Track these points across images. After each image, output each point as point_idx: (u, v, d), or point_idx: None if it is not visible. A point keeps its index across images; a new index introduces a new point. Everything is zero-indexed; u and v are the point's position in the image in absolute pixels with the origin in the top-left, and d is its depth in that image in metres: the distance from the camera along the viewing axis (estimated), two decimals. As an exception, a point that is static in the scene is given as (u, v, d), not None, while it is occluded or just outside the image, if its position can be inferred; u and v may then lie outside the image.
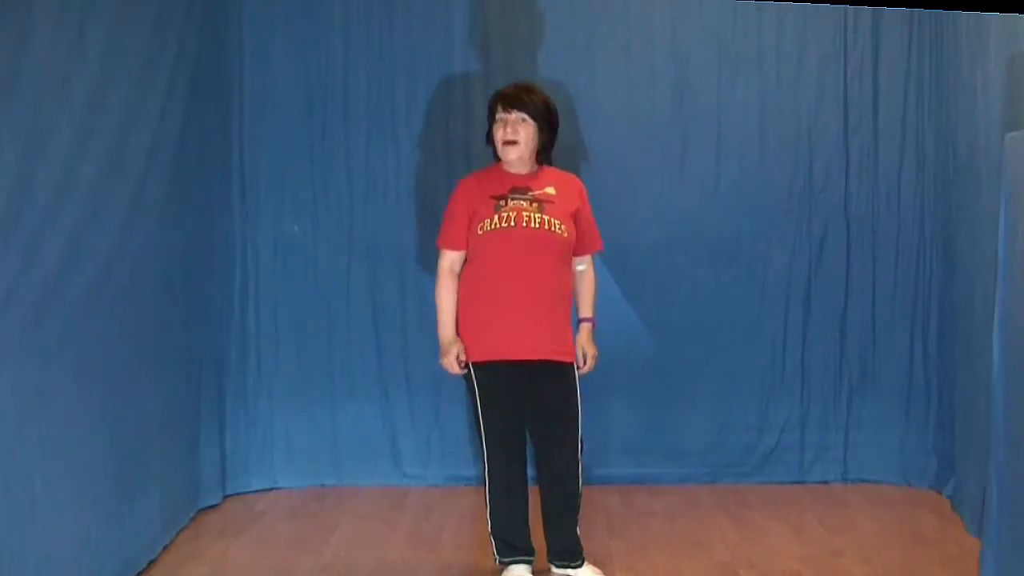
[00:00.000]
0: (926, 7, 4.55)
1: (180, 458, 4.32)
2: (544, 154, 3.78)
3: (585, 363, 3.81)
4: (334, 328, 4.98)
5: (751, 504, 4.73)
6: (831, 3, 4.64)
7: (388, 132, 4.93)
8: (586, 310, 3.88)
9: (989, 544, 3.34)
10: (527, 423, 3.76)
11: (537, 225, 3.66)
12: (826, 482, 5.04)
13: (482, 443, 3.74)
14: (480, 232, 3.68)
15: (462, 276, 3.76)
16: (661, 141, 4.97)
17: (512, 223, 3.65)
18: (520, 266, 3.65)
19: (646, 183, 4.96)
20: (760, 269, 5.01)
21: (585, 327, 3.86)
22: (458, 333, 3.74)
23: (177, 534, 4.24)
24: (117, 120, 3.58)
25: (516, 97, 3.69)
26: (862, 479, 5.04)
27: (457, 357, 3.71)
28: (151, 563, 3.91)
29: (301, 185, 4.93)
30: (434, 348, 4.92)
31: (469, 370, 3.73)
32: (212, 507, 4.64)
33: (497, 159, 3.78)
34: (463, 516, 4.54)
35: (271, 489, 4.93)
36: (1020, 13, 3.27)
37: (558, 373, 3.72)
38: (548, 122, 3.72)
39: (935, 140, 4.91)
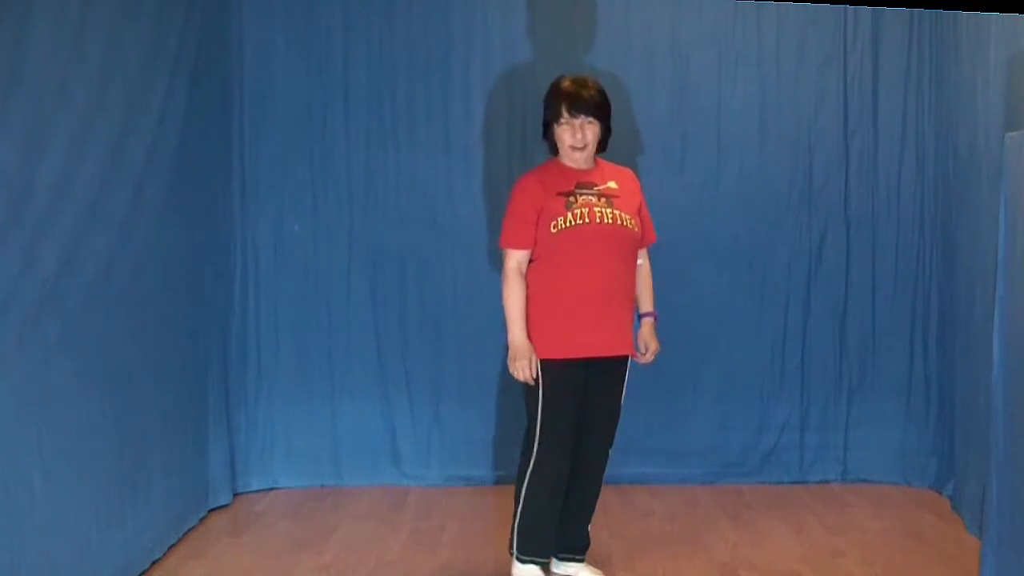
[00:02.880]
0: (926, 7, 4.55)
1: (186, 458, 4.32)
2: (602, 146, 3.75)
3: (646, 358, 3.81)
4: (334, 328, 4.98)
5: (751, 504, 4.73)
6: (831, 3, 4.64)
7: (388, 132, 4.92)
8: (647, 304, 3.85)
9: (989, 544, 3.34)
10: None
11: (610, 220, 3.63)
12: (826, 482, 5.04)
13: (535, 439, 3.62)
14: (554, 231, 3.60)
15: (530, 275, 3.66)
16: (661, 141, 4.97)
17: (586, 219, 3.61)
18: (596, 263, 3.60)
19: (646, 183, 4.89)
20: (760, 269, 5.01)
21: (648, 322, 3.84)
22: (529, 334, 3.64)
23: (185, 534, 4.25)
24: (117, 120, 3.58)
25: (581, 98, 3.62)
26: (862, 479, 5.04)
27: (530, 363, 3.60)
28: (154, 563, 3.91)
29: (301, 185, 4.93)
30: (434, 348, 4.99)
31: (537, 368, 3.63)
32: (223, 507, 4.65)
33: (555, 154, 3.73)
34: (463, 516, 4.54)
35: (271, 489, 4.94)
36: (1020, 13, 3.27)
37: (618, 367, 3.72)
38: (608, 116, 3.70)
39: (935, 140, 4.91)
